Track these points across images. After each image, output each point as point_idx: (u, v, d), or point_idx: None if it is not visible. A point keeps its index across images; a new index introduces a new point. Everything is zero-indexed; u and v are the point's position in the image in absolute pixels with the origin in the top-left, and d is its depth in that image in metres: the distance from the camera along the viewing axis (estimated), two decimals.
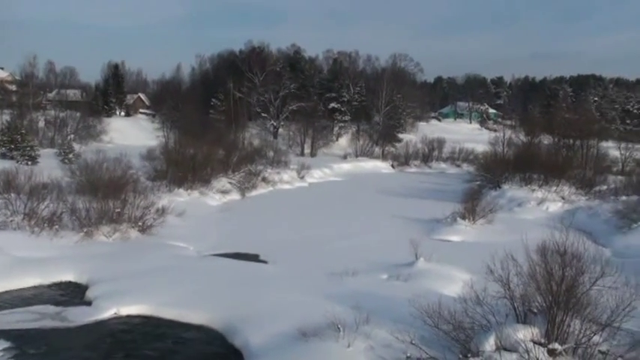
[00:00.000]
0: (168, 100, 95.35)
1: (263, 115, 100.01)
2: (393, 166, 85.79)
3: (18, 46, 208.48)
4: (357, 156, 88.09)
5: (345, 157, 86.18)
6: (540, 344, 14.18)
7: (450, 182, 65.60)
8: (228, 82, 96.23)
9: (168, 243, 30.61)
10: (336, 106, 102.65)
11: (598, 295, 14.76)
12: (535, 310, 15.40)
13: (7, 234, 27.88)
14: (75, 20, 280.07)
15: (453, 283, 22.87)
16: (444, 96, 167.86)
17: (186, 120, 78.74)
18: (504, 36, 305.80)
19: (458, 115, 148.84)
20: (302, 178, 63.12)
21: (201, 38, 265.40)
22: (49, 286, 23.65)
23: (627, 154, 71.88)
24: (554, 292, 14.53)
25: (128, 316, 20.38)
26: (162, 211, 34.26)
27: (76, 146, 65.72)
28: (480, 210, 39.04)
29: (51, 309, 20.80)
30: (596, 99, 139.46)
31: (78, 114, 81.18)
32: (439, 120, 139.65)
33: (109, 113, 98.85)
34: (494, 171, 54.83)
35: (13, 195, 30.90)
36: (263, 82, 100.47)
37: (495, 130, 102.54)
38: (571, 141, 67.25)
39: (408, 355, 15.10)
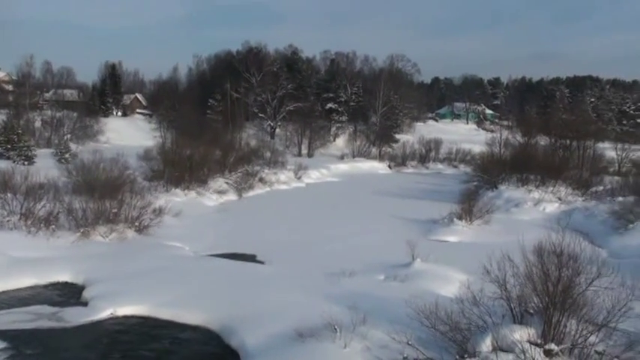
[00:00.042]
0: (165, 100, 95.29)
1: (260, 115, 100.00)
2: (390, 166, 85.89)
3: (15, 45, 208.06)
4: (354, 156, 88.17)
5: (342, 158, 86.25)
6: (537, 345, 14.20)
7: (446, 183, 65.66)
8: (226, 82, 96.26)
9: (165, 243, 30.58)
10: (333, 106, 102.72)
11: (594, 295, 14.77)
12: (531, 311, 15.42)
13: (4, 234, 27.84)
14: (72, 20, 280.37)
15: (449, 284, 22.87)
16: (441, 97, 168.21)
17: (184, 120, 78.70)
18: (501, 37, 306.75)
19: (455, 116, 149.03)
20: (299, 178, 63.17)
21: (199, 39, 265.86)
22: (46, 287, 23.62)
23: (623, 154, 72.04)
24: (550, 293, 14.55)
25: (125, 317, 20.35)
26: (159, 212, 34.24)
27: (73, 146, 65.60)
28: (476, 211, 39.09)
29: (47, 309, 20.77)
30: (592, 100, 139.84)
31: (75, 114, 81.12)
32: (436, 121, 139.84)
33: (106, 113, 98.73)
34: (491, 172, 54.87)
35: (9, 195, 30.81)
36: (260, 82, 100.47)
37: (492, 131, 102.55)
38: (568, 142, 67.38)
39: (405, 355, 15.11)
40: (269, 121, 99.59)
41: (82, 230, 29.60)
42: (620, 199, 41.42)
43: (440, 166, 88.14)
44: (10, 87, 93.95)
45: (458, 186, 57.54)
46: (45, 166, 43.29)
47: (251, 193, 52.19)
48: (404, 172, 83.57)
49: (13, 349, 17.23)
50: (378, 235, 35.39)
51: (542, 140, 68.67)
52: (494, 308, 15.69)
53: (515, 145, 67.52)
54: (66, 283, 24.08)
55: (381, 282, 23.96)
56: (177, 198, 42.70)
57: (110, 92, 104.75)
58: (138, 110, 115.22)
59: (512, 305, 15.64)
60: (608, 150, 74.28)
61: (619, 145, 74.59)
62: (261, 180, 56.40)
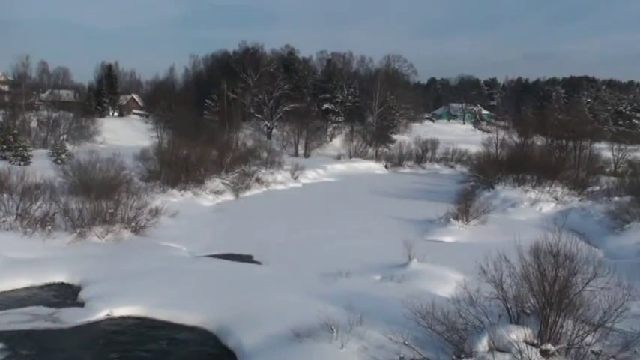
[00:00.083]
0: (161, 100, 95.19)
1: (257, 115, 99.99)
2: (386, 167, 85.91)
3: (11, 46, 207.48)
4: (350, 157, 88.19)
5: (338, 158, 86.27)
6: (533, 345, 14.23)
7: (443, 183, 65.71)
8: (222, 82, 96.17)
9: (162, 244, 30.54)
10: (329, 106, 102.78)
11: (590, 295, 14.82)
12: (528, 311, 15.45)
13: (0, 235, 27.76)
14: (68, 20, 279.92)
15: (446, 284, 22.88)
16: (438, 97, 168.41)
17: (180, 120, 78.60)
18: (498, 37, 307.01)
19: (451, 117, 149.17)
20: (296, 178, 63.15)
21: (195, 39, 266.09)
22: (42, 287, 23.56)
23: (619, 155, 72.18)
24: (546, 293, 14.58)
25: (121, 317, 20.32)
26: (155, 212, 34.18)
27: (69, 147, 65.52)
28: (473, 211, 39.15)
29: (44, 310, 20.72)
30: (588, 100, 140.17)
31: (71, 114, 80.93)
32: (432, 121, 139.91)
33: (102, 114, 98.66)
34: (488, 172, 54.94)
35: (5, 195, 30.76)
36: (257, 82, 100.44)
37: (489, 131, 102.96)
38: (564, 142, 67.56)
39: (402, 355, 15.12)
40: (266, 122, 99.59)
41: (78, 231, 29.54)
42: (616, 199, 41.52)
43: (436, 166, 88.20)
44: (6, 87, 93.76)
45: (454, 186, 57.60)
46: (41, 167, 43.22)
47: (248, 194, 52.16)
48: (400, 172, 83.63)
49: (10, 350, 17.19)
50: (374, 235, 35.40)
51: (539, 140, 68.89)
52: (491, 308, 15.72)
53: (512, 145, 67.74)
54: (62, 283, 24.02)
55: (377, 282, 23.96)
56: (173, 198, 42.64)
57: (106, 92, 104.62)
58: (134, 111, 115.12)
59: (508, 305, 15.67)
60: (605, 150, 74.46)
61: (615, 146, 74.74)
62: (257, 180, 56.37)
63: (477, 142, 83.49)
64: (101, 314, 20.32)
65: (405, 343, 15.41)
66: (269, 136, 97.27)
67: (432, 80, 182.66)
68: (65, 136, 76.36)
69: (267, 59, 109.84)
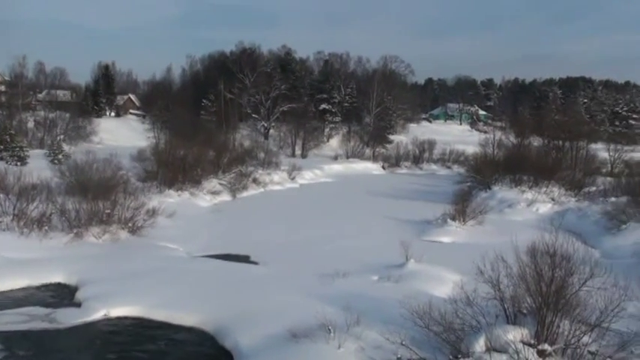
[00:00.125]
0: (158, 100, 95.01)
1: (254, 116, 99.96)
2: (383, 167, 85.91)
3: (8, 46, 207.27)
4: (347, 157, 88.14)
5: (335, 159, 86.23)
6: (530, 345, 14.25)
7: (440, 183, 65.72)
8: (219, 83, 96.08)
9: (159, 244, 30.51)
10: (326, 107, 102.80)
11: (587, 295, 14.84)
12: (525, 311, 15.47)
13: None
14: (66, 21, 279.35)
15: (443, 284, 22.92)
16: (435, 97, 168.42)
17: (177, 121, 78.49)
18: (495, 38, 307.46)
19: (448, 117, 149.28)
20: (293, 179, 63.14)
21: (192, 39, 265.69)
22: (39, 288, 23.54)
23: (616, 155, 72.22)
24: (543, 293, 14.61)
25: (118, 318, 20.32)
26: (152, 212, 34.09)
27: (66, 147, 65.36)
28: (470, 211, 39.18)
29: (40, 310, 20.71)
30: (585, 101, 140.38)
31: (67, 115, 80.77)
32: (429, 121, 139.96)
33: (99, 114, 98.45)
34: (485, 172, 54.96)
35: (2, 196, 30.65)
36: (254, 83, 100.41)
37: (485, 132, 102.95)
38: (561, 142, 67.62)
39: (399, 356, 15.13)
40: (263, 122, 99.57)
41: (75, 231, 29.50)
42: (613, 199, 41.57)
43: (433, 166, 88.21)
44: (2, 87, 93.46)
45: (451, 187, 57.60)
46: (38, 167, 43.14)
47: (245, 194, 52.14)
48: (397, 172, 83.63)
49: (6, 351, 17.18)
50: (371, 235, 35.40)
51: (536, 141, 68.92)
52: (488, 308, 15.74)
53: (509, 145, 67.76)
54: (59, 284, 24.01)
55: (374, 282, 23.98)
56: (170, 199, 42.60)
57: (103, 93, 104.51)
58: (131, 111, 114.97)
59: (505, 305, 15.69)
60: (601, 151, 74.57)
61: (611, 146, 74.83)
62: (254, 181, 56.35)
63: (473, 142, 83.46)
64: (98, 315, 20.31)
65: (402, 344, 15.41)
66: (266, 136, 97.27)
67: (429, 81, 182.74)
68: (62, 137, 76.24)
69: (265, 59, 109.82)
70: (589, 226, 37.42)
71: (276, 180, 60.21)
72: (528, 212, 43.52)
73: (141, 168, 48.53)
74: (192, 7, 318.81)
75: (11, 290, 22.89)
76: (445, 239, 34.87)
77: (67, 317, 20.02)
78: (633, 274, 19.37)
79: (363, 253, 29.01)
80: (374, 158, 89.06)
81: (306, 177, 66.79)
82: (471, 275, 17.28)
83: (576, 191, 48.67)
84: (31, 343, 17.91)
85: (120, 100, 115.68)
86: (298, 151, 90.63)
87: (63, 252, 27.42)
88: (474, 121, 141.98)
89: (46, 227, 29.20)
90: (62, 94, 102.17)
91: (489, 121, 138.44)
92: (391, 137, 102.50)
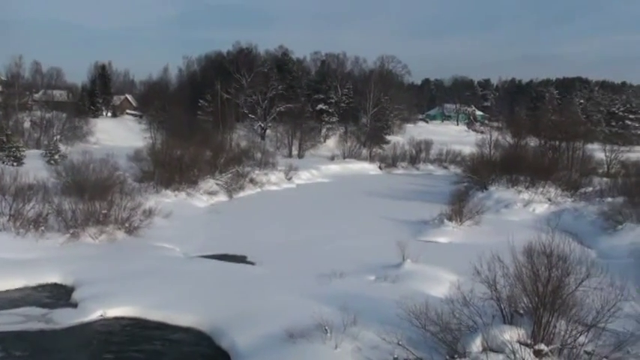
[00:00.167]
0: (155, 101, 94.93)
1: (250, 116, 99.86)
2: (380, 167, 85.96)
3: (4, 46, 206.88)
4: (344, 157, 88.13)
5: (332, 159, 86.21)
6: (526, 345, 14.27)
7: (437, 184, 65.78)
8: (216, 83, 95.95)
9: (155, 244, 30.48)
10: (323, 107, 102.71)
11: (583, 295, 14.88)
12: (521, 311, 15.50)
13: None
14: (62, 21, 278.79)
15: (440, 285, 22.94)
16: (432, 98, 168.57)
17: (174, 121, 78.46)
18: (491, 39, 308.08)
19: (445, 117, 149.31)
20: (289, 179, 63.13)
21: (190, 40, 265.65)
22: (35, 288, 23.50)
23: (612, 156, 72.40)
24: (540, 293, 14.63)
25: (115, 318, 20.30)
26: (149, 213, 34.08)
27: (62, 147, 65.24)
28: (466, 211, 39.23)
29: (36, 311, 20.68)
30: (581, 101, 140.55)
31: (64, 115, 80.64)
32: (426, 122, 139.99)
33: (96, 114, 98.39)
34: (481, 173, 55.01)
35: None
36: (250, 83, 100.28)
37: (482, 132, 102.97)
38: (557, 143, 67.71)
39: (395, 356, 15.15)
40: (259, 122, 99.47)
41: (71, 231, 29.47)
42: (609, 199, 41.67)
43: (430, 167, 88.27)
44: None
45: (448, 187, 57.67)
46: (34, 167, 43.03)
47: (241, 194, 52.10)
48: (394, 173, 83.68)
49: (3, 351, 17.16)
50: (368, 235, 35.36)
51: (532, 141, 69.01)
52: (485, 309, 15.76)
53: (505, 146, 67.86)
54: (55, 284, 23.97)
55: (371, 283, 23.99)
56: (167, 199, 42.54)
57: (100, 93, 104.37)
58: (128, 111, 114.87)
59: (502, 306, 15.71)
60: (597, 151, 74.71)
61: (608, 147, 75.02)
62: (251, 181, 56.33)
63: (470, 142, 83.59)
64: (94, 315, 20.29)
65: (398, 344, 15.43)
66: (263, 136, 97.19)
67: (426, 81, 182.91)
68: (58, 137, 76.08)
69: (261, 60, 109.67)
70: (585, 227, 37.49)
71: (273, 180, 60.18)
72: (525, 212, 43.57)
73: (137, 168, 48.45)
74: (189, 7, 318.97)
75: (7, 291, 22.85)
76: (442, 239, 34.89)
77: (64, 318, 20.00)
78: (629, 274, 19.48)
79: (359, 254, 29.02)
80: (371, 158, 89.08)
81: (303, 177, 66.79)
82: (467, 275, 17.30)
83: (573, 191, 48.75)
84: (28, 344, 17.88)
85: (116, 100, 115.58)
86: (295, 152, 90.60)
87: (59, 252, 27.38)
88: (470, 122, 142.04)
89: (43, 227, 29.17)
90: (59, 94, 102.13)
91: (486, 122, 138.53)
92: (388, 137, 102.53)
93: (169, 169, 47.36)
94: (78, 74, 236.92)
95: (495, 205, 45.78)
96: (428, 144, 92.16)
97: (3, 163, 52.02)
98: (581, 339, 14.15)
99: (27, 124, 76.89)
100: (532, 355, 14.04)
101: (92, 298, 21.46)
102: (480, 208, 40.89)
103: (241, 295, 21.66)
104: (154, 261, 26.79)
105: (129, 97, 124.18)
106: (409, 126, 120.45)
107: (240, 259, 29.15)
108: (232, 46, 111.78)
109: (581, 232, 35.68)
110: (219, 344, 18.17)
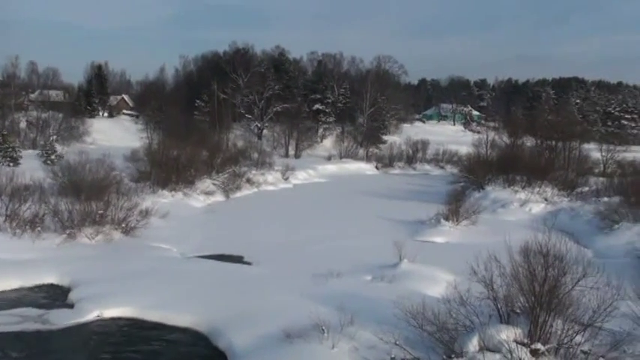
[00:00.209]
0: (152, 101, 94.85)
1: (247, 116, 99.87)
2: (377, 167, 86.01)
3: (1, 46, 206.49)
4: (341, 157, 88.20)
5: (329, 159, 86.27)
6: (523, 344, 14.29)
7: (433, 184, 65.84)
8: (213, 83, 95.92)
9: (152, 245, 30.44)
10: (320, 107, 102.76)
11: (580, 295, 14.90)
12: (518, 311, 15.52)
13: None
14: (58, 21, 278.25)
15: (436, 284, 22.95)
16: (428, 98, 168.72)
17: (170, 121, 78.40)
18: (488, 39, 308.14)
19: (441, 117, 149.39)
20: (286, 179, 63.13)
21: (186, 39, 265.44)
22: (31, 289, 23.44)
23: (608, 155, 72.50)
24: (536, 293, 14.66)
25: (111, 319, 20.26)
26: (145, 213, 34.01)
27: (59, 147, 65.05)
28: (463, 211, 39.26)
29: (33, 312, 20.61)
30: (578, 101, 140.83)
31: (60, 115, 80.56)
32: (423, 122, 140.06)
33: (92, 114, 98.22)
34: (478, 172, 55.06)
35: None
36: (247, 83, 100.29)
37: (479, 132, 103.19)
38: (553, 143, 67.85)
39: (393, 356, 15.16)
40: (256, 122, 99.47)
41: (67, 232, 29.41)
42: (606, 199, 41.74)
43: (427, 167, 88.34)
44: None
45: (445, 187, 57.74)
46: (30, 168, 42.99)
47: (238, 194, 52.09)
48: (391, 173, 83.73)
49: None
50: (365, 235, 35.35)
51: (529, 141, 69.13)
52: (481, 308, 15.78)
53: (502, 146, 67.95)
54: (52, 285, 23.91)
55: (368, 283, 24.01)
56: (164, 199, 42.50)
57: (96, 93, 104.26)
58: (124, 111, 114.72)
59: (498, 305, 15.73)
60: (594, 151, 74.82)
61: (604, 146, 75.13)
62: (248, 181, 56.32)
63: (467, 142, 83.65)
64: (91, 316, 20.25)
65: (395, 344, 15.44)
66: (259, 136, 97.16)
67: (423, 81, 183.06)
68: (55, 137, 75.98)
69: (258, 60, 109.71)
70: (582, 226, 37.55)
71: (270, 180, 60.20)
72: (521, 212, 43.64)
73: (134, 168, 48.43)
74: (186, 7, 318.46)
75: (3, 291, 22.79)
76: (438, 239, 34.91)
77: (60, 318, 19.95)
78: (626, 273, 19.46)
79: (356, 253, 29.01)
80: (367, 158, 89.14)
81: (300, 177, 66.80)
82: (464, 275, 17.33)
83: (569, 191, 48.83)
84: (24, 345, 17.84)
85: (113, 100, 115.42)
86: (292, 152, 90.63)
87: (56, 253, 27.34)
88: (467, 122, 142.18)
89: (39, 228, 29.10)
90: (55, 94, 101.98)
91: (482, 122, 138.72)
92: (384, 137, 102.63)
93: (166, 169, 47.32)
94: (74, 74, 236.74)
95: (492, 205, 45.83)
96: (424, 144, 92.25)
97: None
98: (578, 338, 14.18)
99: (23, 125, 76.79)
100: (529, 354, 14.06)
101: (89, 298, 21.42)
102: (476, 208, 40.95)
103: (238, 295, 21.65)
104: (151, 261, 26.75)
105: (125, 97, 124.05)
106: (406, 126, 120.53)
107: (237, 259, 29.13)
108: (229, 46, 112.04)
109: (577, 232, 35.72)
110: (217, 344, 18.15)
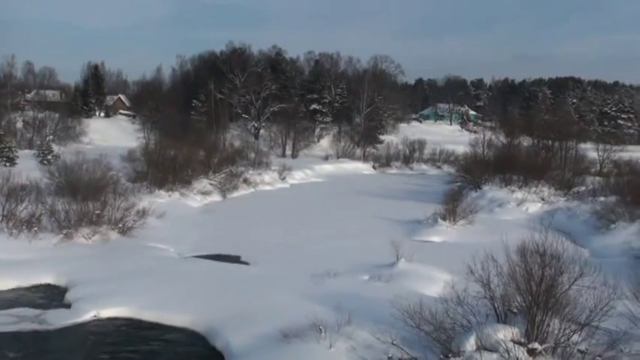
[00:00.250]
0: (148, 101, 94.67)
1: (244, 116, 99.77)
2: (374, 167, 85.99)
3: None
4: (338, 157, 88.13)
5: (326, 159, 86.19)
6: (520, 344, 14.32)
7: (430, 183, 65.87)
8: (209, 83, 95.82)
9: (149, 245, 30.41)
10: (317, 107, 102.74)
11: (577, 294, 14.94)
12: (515, 310, 15.55)
13: None
14: (55, 20, 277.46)
15: (434, 284, 22.98)
16: (425, 98, 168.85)
17: (167, 121, 78.35)
18: (485, 39, 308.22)
19: (438, 117, 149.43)
20: (283, 179, 63.08)
21: (183, 39, 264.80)
22: (28, 289, 23.40)
23: (605, 155, 72.58)
24: (533, 292, 14.69)
25: (108, 319, 20.25)
26: (142, 213, 33.96)
27: (55, 147, 64.87)
28: (460, 211, 39.31)
29: (30, 312, 20.59)
30: (574, 101, 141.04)
31: (57, 115, 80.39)
32: (420, 121, 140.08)
33: (89, 114, 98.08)
34: (475, 172, 55.09)
35: None
36: (244, 83, 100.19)
37: (475, 132, 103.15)
38: (550, 142, 67.95)
39: (390, 355, 15.18)
40: (253, 122, 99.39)
41: (64, 232, 29.37)
42: (602, 199, 41.82)
43: (424, 166, 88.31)
44: None
45: (442, 186, 57.79)
46: (27, 168, 42.90)
47: (235, 194, 52.04)
48: (388, 172, 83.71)
49: None
50: (362, 235, 35.36)
51: (525, 141, 69.23)
52: (478, 308, 15.80)
53: (499, 145, 68.06)
54: (48, 285, 23.89)
55: (365, 282, 24.02)
56: (160, 199, 42.44)
57: (93, 93, 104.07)
58: (121, 111, 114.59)
59: (496, 305, 15.76)
60: (590, 151, 74.87)
61: (600, 146, 75.23)
62: (245, 181, 56.26)
63: (464, 142, 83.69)
64: (88, 316, 20.23)
65: (393, 343, 15.45)
66: (256, 136, 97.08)
67: (420, 81, 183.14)
68: (51, 137, 75.61)
69: (255, 60, 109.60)
70: (578, 226, 37.63)
71: (267, 180, 60.13)
72: (518, 212, 43.69)
73: (131, 168, 48.36)
74: (183, 7, 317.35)
75: (0, 292, 22.75)
76: (436, 239, 34.96)
77: (57, 318, 19.93)
78: (622, 273, 19.51)
79: (353, 253, 29.03)
80: (364, 158, 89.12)
81: (297, 177, 66.75)
82: (461, 275, 17.35)
83: (566, 191, 48.87)
84: (21, 345, 17.82)
85: (109, 100, 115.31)
86: (289, 152, 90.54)
87: (52, 253, 27.30)
88: (464, 121, 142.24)
89: (36, 228, 29.06)
90: (51, 94, 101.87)
91: (479, 121, 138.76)
92: (381, 137, 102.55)
93: (163, 169, 47.27)
94: (71, 74, 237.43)
95: (489, 205, 45.87)
96: (421, 144, 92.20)
97: None
98: (575, 337, 14.21)
99: (19, 125, 76.63)
100: (526, 353, 14.09)
101: (86, 298, 21.40)
102: (473, 208, 41.03)
103: (236, 295, 21.64)
104: (148, 261, 26.73)
105: (122, 97, 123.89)
106: (403, 126, 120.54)
107: (234, 259, 29.12)
108: (226, 46, 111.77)
109: (574, 232, 35.83)
110: (214, 344, 18.15)
